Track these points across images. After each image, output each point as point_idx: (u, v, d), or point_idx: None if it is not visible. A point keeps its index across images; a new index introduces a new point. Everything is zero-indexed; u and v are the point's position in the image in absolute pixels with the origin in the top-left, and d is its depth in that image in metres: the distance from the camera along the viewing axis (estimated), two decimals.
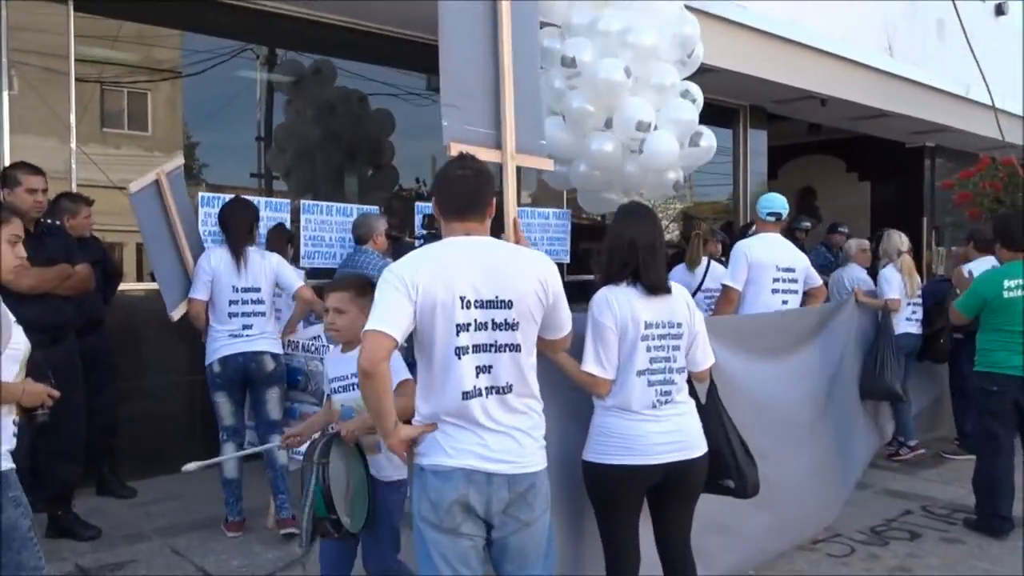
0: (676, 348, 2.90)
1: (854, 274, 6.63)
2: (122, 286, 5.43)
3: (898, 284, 6.13)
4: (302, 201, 6.10)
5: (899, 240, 6.41)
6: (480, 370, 2.33)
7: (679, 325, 2.91)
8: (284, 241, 5.41)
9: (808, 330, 4.67)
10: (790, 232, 7.63)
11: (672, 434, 2.85)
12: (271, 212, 5.58)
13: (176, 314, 4.38)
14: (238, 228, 4.42)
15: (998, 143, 12.62)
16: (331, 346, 3.20)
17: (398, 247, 5.30)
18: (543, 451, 2.45)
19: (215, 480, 4.58)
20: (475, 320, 2.31)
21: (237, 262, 4.36)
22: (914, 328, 6.31)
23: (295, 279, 4.56)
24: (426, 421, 2.36)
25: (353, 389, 2.88)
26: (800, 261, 4.96)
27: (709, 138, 5.57)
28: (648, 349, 2.83)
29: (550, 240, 7.62)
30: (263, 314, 4.43)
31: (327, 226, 6.09)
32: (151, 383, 5.67)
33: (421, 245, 5.26)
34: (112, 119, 6.10)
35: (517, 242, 3.08)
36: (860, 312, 5.66)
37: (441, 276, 2.29)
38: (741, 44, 7.66)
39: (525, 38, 3.35)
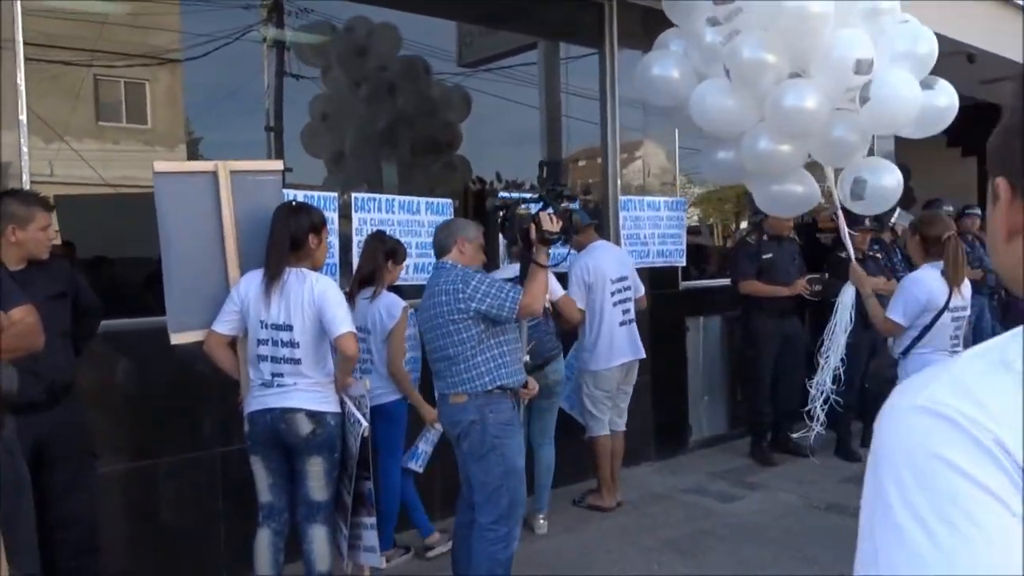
0: None
1: None
2: (113, 322, 3.70)
3: None
4: (354, 195, 4.48)
5: None
6: None
7: None
8: (382, 255, 3.99)
9: None
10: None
11: None
12: None
13: (177, 339, 3.31)
14: (275, 242, 3.29)
15: None
16: None
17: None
18: None
19: None
20: None
21: (268, 289, 3.23)
22: None
23: (341, 320, 3.22)
24: None
25: None
26: None
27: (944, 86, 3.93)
28: None
29: (662, 238, 5.98)
30: (297, 360, 3.26)
31: (388, 227, 4.47)
32: (154, 464, 3.97)
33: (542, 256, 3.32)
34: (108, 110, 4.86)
35: None
36: None
37: None
38: None
39: None
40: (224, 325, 3.28)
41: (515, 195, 3.43)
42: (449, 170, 5.96)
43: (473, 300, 3.19)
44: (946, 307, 3.95)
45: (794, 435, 4.75)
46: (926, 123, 4.07)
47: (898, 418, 0.72)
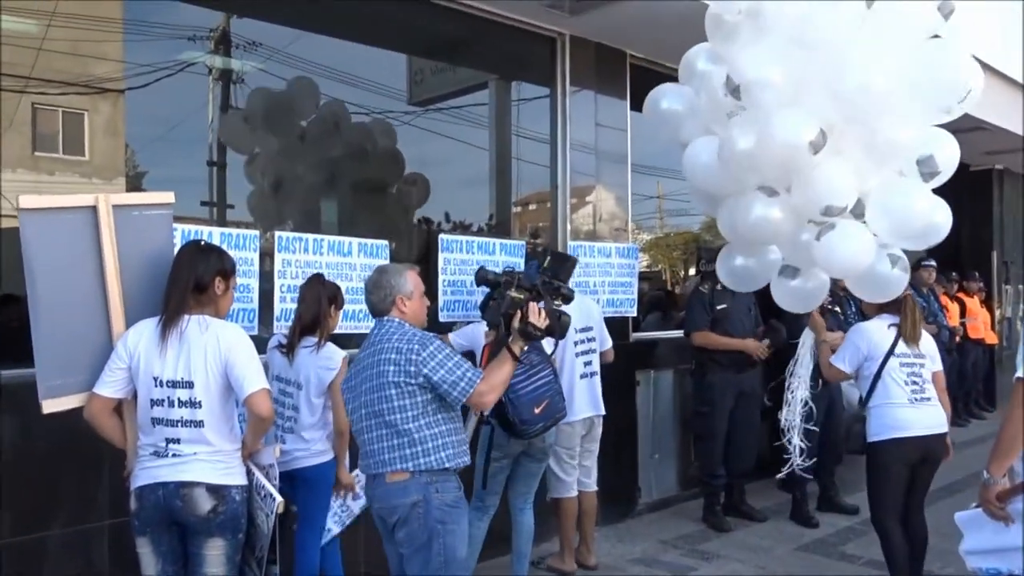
0: None
1: None
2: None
3: None
4: (277, 234, 4.09)
5: None
6: None
7: None
8: (325, 300, 3.66)
9: None
10: None
11: None
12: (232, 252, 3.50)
13: (50, 406, 2.80)
14: (177, 283, 2.84)
15: None
16: None
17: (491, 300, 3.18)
18: None
19: None
20: None
21: (164, 337, 2.77)
22: None
23: (253, 375, 2.79)
24: None
25: None
26: None
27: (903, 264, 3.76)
28: None
29: (612, 287, 5.68)
30: (199, 423, 2.79)
31: (316, 269, 4.07)
32: (37, 540, 3.45)
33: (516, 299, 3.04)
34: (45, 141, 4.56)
35: None
36: None
37: None
38: None
39: None
40: (109, 387, 2.79)
41: (510, 271, 3.16)
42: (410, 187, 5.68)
43: (426, 366, 2.82)
44: (891, 353, 3.94)
45: (783, 472, 4.64)
46: (878, 289, 3.88)
47: None
